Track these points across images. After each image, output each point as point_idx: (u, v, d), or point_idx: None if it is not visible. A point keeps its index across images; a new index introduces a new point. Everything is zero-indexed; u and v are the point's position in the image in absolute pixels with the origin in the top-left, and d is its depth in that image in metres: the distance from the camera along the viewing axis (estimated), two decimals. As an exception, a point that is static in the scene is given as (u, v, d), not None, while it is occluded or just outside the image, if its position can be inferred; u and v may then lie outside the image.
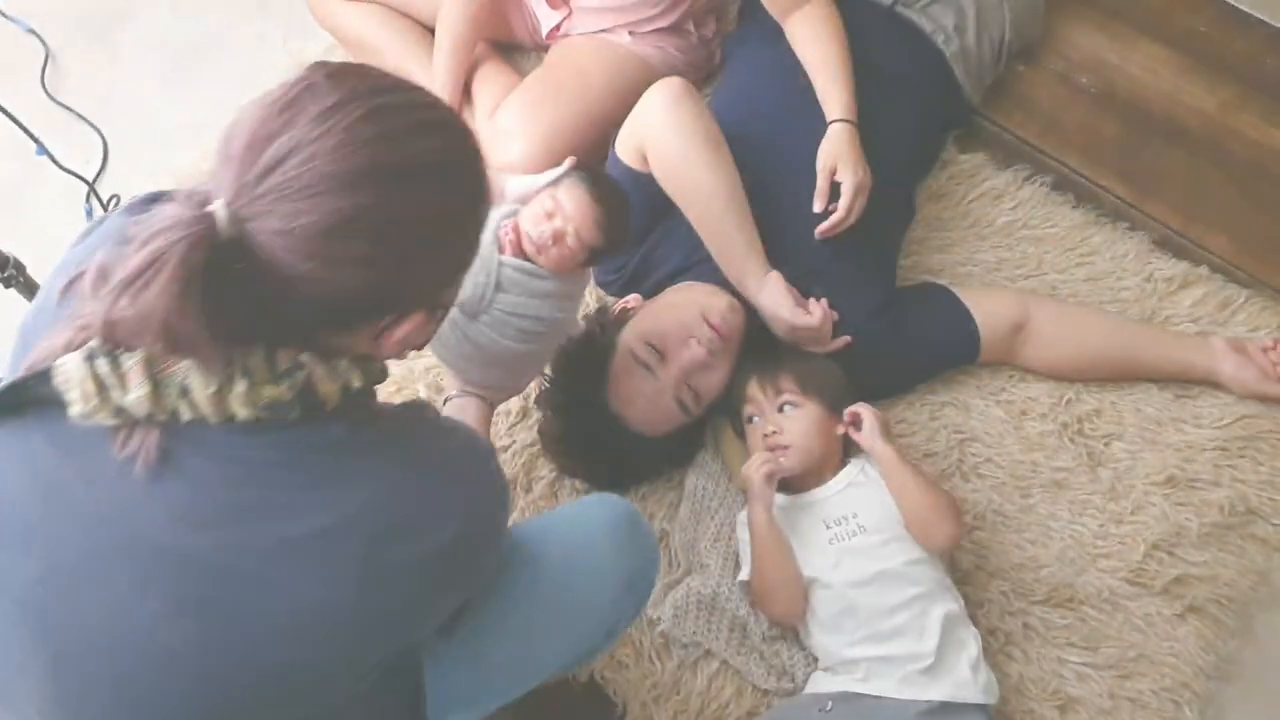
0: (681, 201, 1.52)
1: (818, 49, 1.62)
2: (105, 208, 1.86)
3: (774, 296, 1.49)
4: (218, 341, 0.74)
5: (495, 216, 1.33)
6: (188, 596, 0.79)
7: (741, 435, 1.53)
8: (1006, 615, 1.47)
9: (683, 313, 1.48)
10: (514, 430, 1.63)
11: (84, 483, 0.80)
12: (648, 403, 1.45)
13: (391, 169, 0.77)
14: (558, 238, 1.29)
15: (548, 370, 1.51)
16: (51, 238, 1.88)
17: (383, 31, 1.91)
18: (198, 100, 2.09)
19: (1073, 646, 1.46)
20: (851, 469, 1.44)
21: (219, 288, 0.72)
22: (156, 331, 0.72)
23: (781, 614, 1.40)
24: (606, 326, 1.51)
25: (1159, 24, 1.97)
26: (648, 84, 1.55)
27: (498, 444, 1.59)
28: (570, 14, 1.87)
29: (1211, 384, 1.64)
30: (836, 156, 1.54)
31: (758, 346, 1.53)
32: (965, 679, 1.29)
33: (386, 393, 1.60)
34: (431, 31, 1.89)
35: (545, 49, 1.95)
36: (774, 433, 1.44)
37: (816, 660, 1.41)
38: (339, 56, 2.05)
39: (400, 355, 0.89)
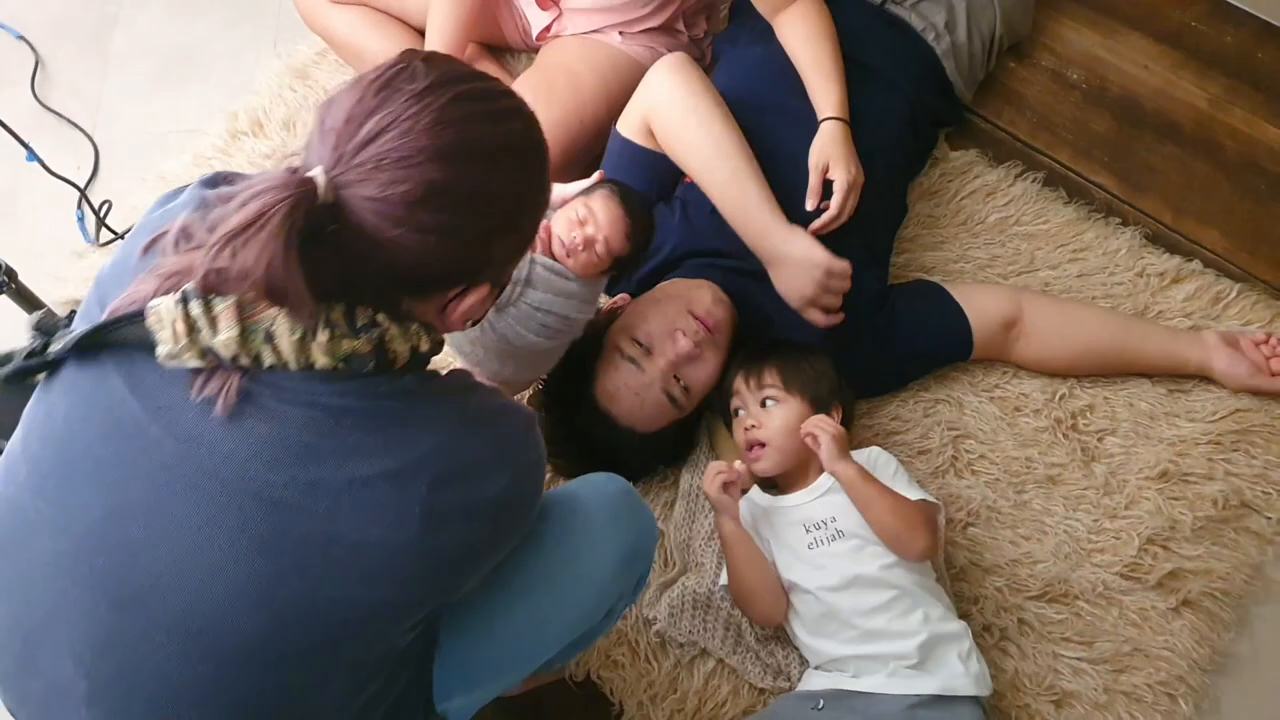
0: (692, 161, 1.52)
1: (808, 47, 1.62)
2: (96, 214, 1.86)
3: (807, 242, 1.47)
4: (310, 295, 0.80)
5: None
6: (257, 533, 0.82)
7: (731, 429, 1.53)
8: (1002, 611, 1.47)
9: (667, 307, 1.49)
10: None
11: (158, 425, 0.83)
12: (635, 397, 1.45)
13: (478, 147, 0.84)
14: (588, 244, 1.36)
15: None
16: (42, 244, 1.89)
17: (373, 34, 1.91)
18: (189, 105, 2.09)
19: (1068, 641, 1.46)
20: (833, 472, 1.44)
21: (313, 247, 0.78)
22: (258, 281, 0.77)
23: (763, 616, 1.40)
24: (594, 325, 1.52)
25: (1149, 19, 1.97)
26: (638, 84, 1.55)
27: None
28: (560, 15, 1.88)
29: (1204, 378, 1.64)
30: (828, 154, 1.54)
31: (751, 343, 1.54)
32: (956, 672, 1.28)
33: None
34: (421, 34, 1.88)
35: (536, 50, 1.95)
36: (753, 426, 1.45)
37: (810, 659, 1.42)
38: (329, 60, 2.05)
39: (461, 327, 0.96)
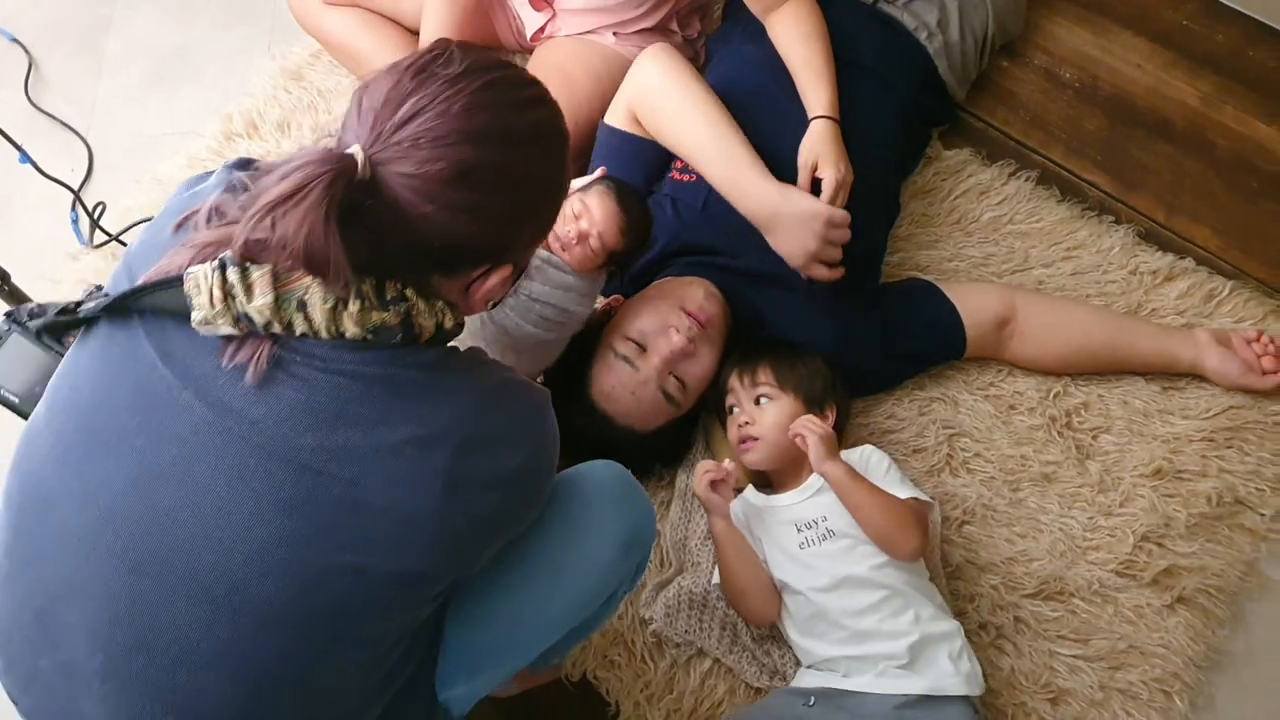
0: (680, 133, 1.55)
1: (799, 46, 1.62)
2: (90, 216, 1.85)
3: (800, 194, 1.49)
4: (348, 265, 0.82)
5: None
6: (285, 497, 0.84)
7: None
8: (997, 609, 1.48)
9: (660, 304, 1.50)
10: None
11: (189, 391, 0.85)
12: (631, 396, 1.46)
13: (508, 131, 0.88)
14: (582, 237, 1.38)
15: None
16: (36, 247, 1.89)
17: (366, 35, 1.91)
18: (182, 107, 2.09)
19: (1063, 639, 1.46)
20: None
21: (349, 220, 0.81)
22: (297, 251, 0.80)
23: (755, 615, 1.41)
24: (588, 325, 1.52)
25: (1141, 18, 1.98)
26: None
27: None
28: (554, 16, 1.88)
29: (1197, 376, 1.65)
30: (817, 153, 1.54)
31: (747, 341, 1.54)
32: (945, 672, 1.28)
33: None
34: (415, 35, 1.89)
35: (530, 51, 1.95)
36: (746, 423, 1.45)
37: (804, 657, 1.42)
38: (324, 62, 2.05)
39: (482, 308, 0.99)
